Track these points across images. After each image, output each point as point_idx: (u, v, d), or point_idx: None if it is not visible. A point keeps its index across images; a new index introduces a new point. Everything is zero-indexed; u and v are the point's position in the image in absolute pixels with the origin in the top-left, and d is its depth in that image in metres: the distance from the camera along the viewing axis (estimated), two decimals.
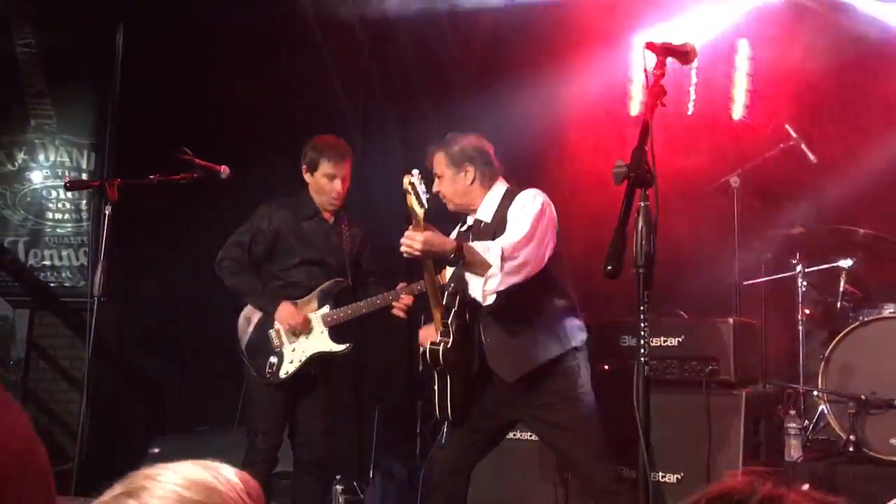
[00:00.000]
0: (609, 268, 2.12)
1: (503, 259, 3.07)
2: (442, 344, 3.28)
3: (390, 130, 6.36)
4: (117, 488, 0.87)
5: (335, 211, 4.10)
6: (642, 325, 2.15)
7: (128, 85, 6.28)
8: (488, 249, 3.09)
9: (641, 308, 2.15)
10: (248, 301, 4.03)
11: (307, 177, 4.04)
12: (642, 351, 2.14)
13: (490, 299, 3.14)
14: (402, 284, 3.96)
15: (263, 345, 3.98)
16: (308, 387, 4.04)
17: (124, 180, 3.76)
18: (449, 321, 3.30)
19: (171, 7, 5.94)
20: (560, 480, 4.32)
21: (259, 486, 0.94)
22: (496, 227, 3.34)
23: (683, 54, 2.42)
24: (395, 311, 3.97)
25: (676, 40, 2.43)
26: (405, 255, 3.06)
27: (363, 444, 6.11)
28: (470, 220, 3.53)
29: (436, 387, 3.39)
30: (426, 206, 3.03)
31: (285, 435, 4.09)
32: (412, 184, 2.98)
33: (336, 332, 3.99)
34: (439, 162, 3.46)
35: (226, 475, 0.91)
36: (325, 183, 3.97)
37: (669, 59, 2.40)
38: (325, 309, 3.99)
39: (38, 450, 0.95)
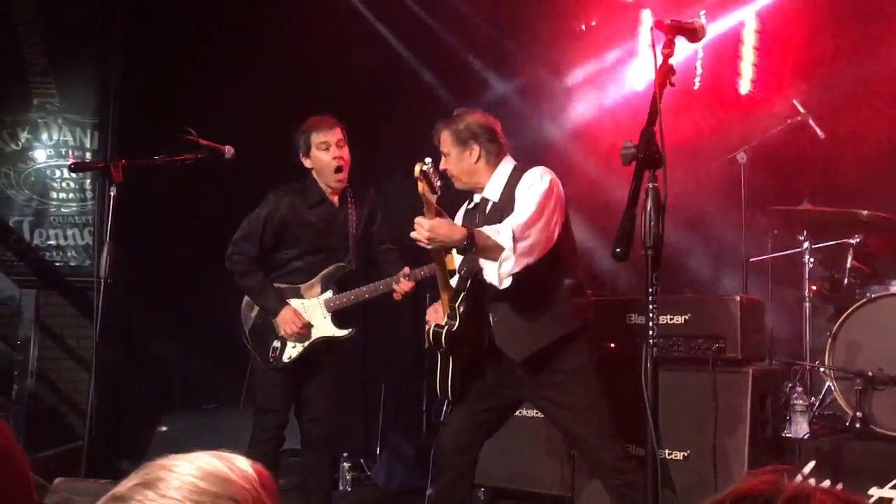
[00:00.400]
0: (618, 250, 2.10)
1: (515, 240, 3.06)
2: (447, 327, 3.28)
3: (400, 106, 6.33)
4: (133, 478, 0.88)
5: (342, 190, 4.06)
6: (651, 307, 2.14)
7: (131, 63, 6.25)
8: (498, 232, 3.07)
9: (650, 290, 2.13)
10: (255, 302, 4.02)
11: (306, 162, 4.00)
12: (651, 333, 2.13)
13: (506, 282, 3.12)
14: (405, 269, 3.94)
15: (267, 329, 3.98)
16: (314, 365, 4.05)
17: (129, 162, 3.73)
18: (457, 304, 3.29)
19: None
20: (566, 457, 4.33)
21: (271, 478, 0.95)
22: (504, 207, 3.31)
23: (692, 32, 2.38)
24: (395, 296, 3.97)
25: (685, 18, 2.39)
26: (416, 241, 3.04)
27: (370, 422, 6.15)
28: (477, 198, 3.51)
29: (438, 367, 3.39)
30: (438, 194, 3.01)
31: (292, 413, 4.10)
32: (424, 172, 2.95)
33: (339, 317, 3.99)
34: (445, 140, 3.43)
35: (240, 466, 0.93)
36: (323, 154, 3.92)
37: (678, 38, 2.36)
38: (329, 294, 3.98)
39: (16, 456, 0.97)
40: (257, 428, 4.02)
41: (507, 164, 3.44)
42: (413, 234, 3.03)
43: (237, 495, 0.86)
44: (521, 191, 3.29)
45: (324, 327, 3.97)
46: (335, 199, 4.05)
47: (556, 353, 3.30)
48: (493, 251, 3.06)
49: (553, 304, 3.29)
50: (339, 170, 3.95)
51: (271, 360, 3.95)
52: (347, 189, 4.07)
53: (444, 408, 3.61)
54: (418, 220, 3.01)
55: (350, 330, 3.99)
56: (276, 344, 3.95)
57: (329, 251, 4.02)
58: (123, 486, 0.89)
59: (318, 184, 4.03)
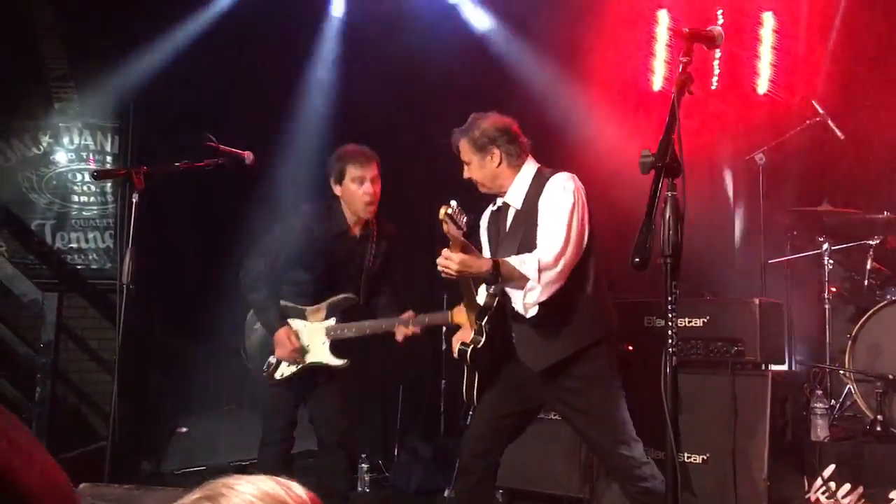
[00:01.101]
0: (637, 259, 2.10)
1: (540, 271, 3.06)
2: (472, 345, 3.27)
3: (418, 111, 6.34)
4: (197, 492, 0.99)
5: (365, 224, 4.01)
6: (670, 315, 2.14)
7: (150, 67, 6.29)
8: (524, 263, 3.07)
9: (670, 299, 2.13)
10: (257, 317, 4.03)
11: (337, 189, 3.94)
12: (670, 342, 2.13)
13: (532, 311, 3.12)
14: (409, 313, 3.93)
15: (265, 345, 3.99)
16: (317, 375, 4.05)
17: (150, 168, 3.77)
18: (484, 322, 3.28)
19: None
20: (584, 459, 4.34)
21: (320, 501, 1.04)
22: (528, 215, 3.28)
23: (710, 40, 2.36)
24: (398, 338, 3.94)
25: (702, 26, 2.38)
26: (443, 275, 3.05)
27: (388, 423, 6.16)
28: (500, 202, 3.48)
29: (465, 377, 3.41)
30: (465, 230, 3.01)
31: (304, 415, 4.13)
32: (449, 215, 2.92)
33: (337, 347, 3.98)
34: (465, 149, 3.41)
35: (296, 492, 1.02)
36: (356, 188, 3.87)
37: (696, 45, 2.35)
38: (332, 321, 3.96)
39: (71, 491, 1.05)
40: (266, 430, 4.04)
41: (529, 167, 3.40)
42: (440, 268, 3.03)
43: None
44: (545, 206, 3.24)
45: (320, 353, 3.96)
46: (357, 229, 4.00)
47: (576, 360, 3.29)
48: (519, 281, 3.08)
49: (574, 316, 3.26)
50: (369, 204, 3.92)
51: (264, 374, 3.97)
52: (371, 221, 4.03)
53: (469, 411, 3.62)
54: (446, 253, 3.01)
55: (345, 361, 3.96)
56: (272, 360, 3.96)
57: (340, 279, 4.01)
58: (188, 498, 0.97)
59: (345, 213, 3.97)
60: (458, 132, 3.43)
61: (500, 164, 3.37)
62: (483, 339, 3.27)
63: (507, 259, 3.10)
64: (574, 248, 3.17)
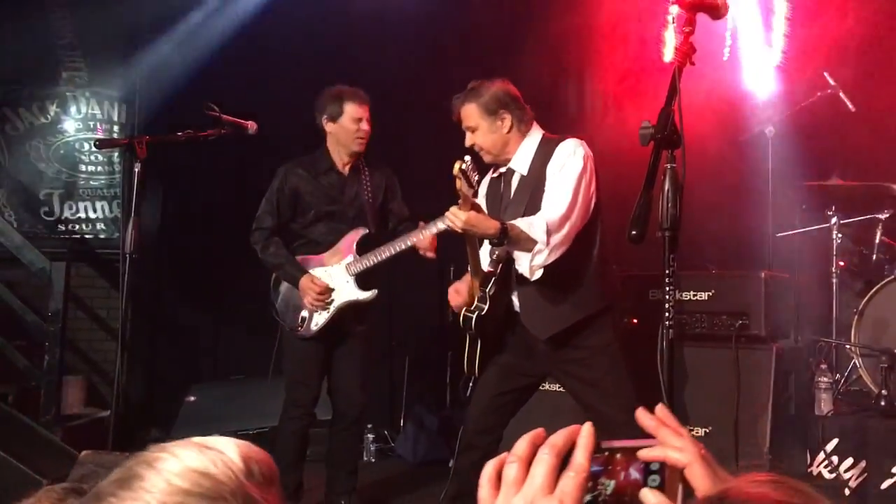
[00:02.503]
0: (634, 232, 2.08)
1: (549, 233, 3.02)
2: (477, 311, 3.24)
3: (420, 78, 6.29)
4: (116, 473, 0.87)
5: (354, 162, 4.11)
6: (667, 289, 2.13)
7: (157, 36, 6.26)
8: (532, 225, 3.02)
9: (668, 272, 2.12)
10: (276, 273, 4.11)
11: (329, 127, 4.06)
12: (667, 315, 2.12)
13: (538, 274, 3.09)
14: (421, 223, 3.94)
15: (294, 300, 4.05)
16: (343, 337, 4.09)
17: (153, 138, 3.76)
18: (488, 288, 3.25)
19: None
20: None
21: (267, 463, 0.93)
22: (535, 181, 3.24)
23: (714, 9, 2.32)
24: (423, 253, 3.94)
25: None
26: (450, 229, 3.06)
27: (394, 394, 6.20)
28: (502, 168, 3.44)
29: (466, 346, 3.39)
30: (476, 189, 2.97)
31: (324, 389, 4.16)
32: (463, 171, 2.88)
33: (362, 280, 4.03)
34: (471, 114, 3.33)
35: (228, 459, 0.88)
36: (352, 126, 4.01)
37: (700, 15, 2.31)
38: (350, 258, 4.03)
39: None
40: (289, 402, 4.08)
41: (535, 134, 3.36)
42: (447, 222, 3.02)
43: (216, 493, 0.85)
44: (553, 170, 3.21)
45: (347, 291, 4.02)
46: (346, 168, 4.11)
47: (581, 329, 3.27)
48: (526, 243, 3.03)
49: (581, 283, 3.24)
50: (363, 141, 4.06)
51: (299, 328, 4.01)
52: (361, 160, 4.12)
53: (470, 383, 3.61)
54: (453, 210, 2.97)
55: (373, 291, 4.04)
56: (304, 314, 4.03)
57: (344, 218, 4.08)
58: (106, 480, 0.87)
59: (330, 154, 4.12)
60: (463, 97, 3.36)
61: (510, 129, 3.31)
62: (486, 307, 3.24)
63: (515, 221, 3.05)
64: (580, 212, 3.14)
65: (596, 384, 3.29)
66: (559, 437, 0.93)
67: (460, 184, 2.91)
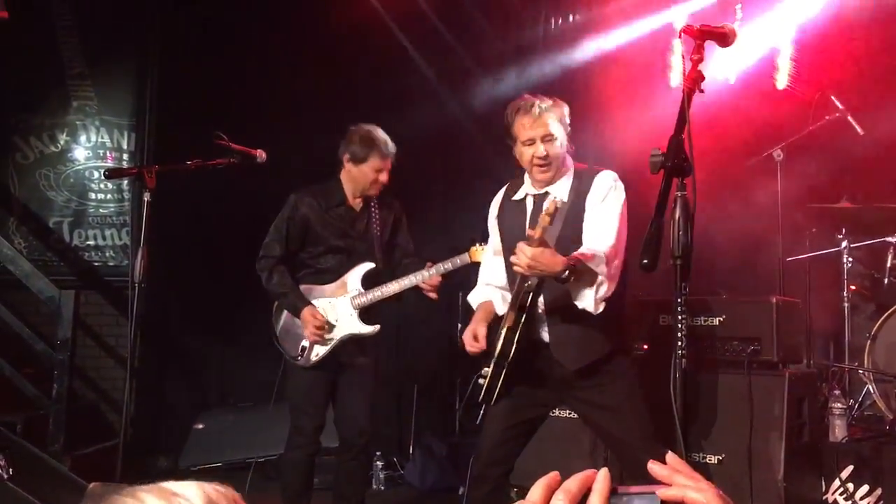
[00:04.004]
0: (645, 261, 2.07)
1: (607, 265, 2.98)
2: (517, 343, 3.15)
3: (429, 101, 6.33)
4: None
5: (364, 198, 4.09)
6: (680, 318, 2.11)
7: (168, 65, 6.32)
8: (594, 258, 2.96)
9: (679, 300, 2.10)
10: (279, 303, 4.10)
11: (348, 165, 4.03)
12: (680, 343, 2.10)
13: (601, 307, 3.02)
14: (429, 263, 3.95)
15: (295, 329, 4.04)
16: (347, 367, 4.07)
17: (162, 167, 3.78)
18: (523, 319, 3.16)
19: None
20: (597, 458, 4.30)
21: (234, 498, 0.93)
22: (576, 211, 3.15)
23: (723, 37, 2.32)
24: (426, 293, 3.99)
25: (715, 23, 2.34)
26: (514, 266, 2.92)
27: (403, 421, 6.16)
28: (522, 192, 3.31)
29: (489, 372, 3.23)
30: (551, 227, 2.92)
31: (329, 418, 4.13)
32: (557, 209, 2.87)
33: (366, 314, 4.02)
34: (554, 123, 3.17)
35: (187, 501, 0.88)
36: (372, 175, 3.98)
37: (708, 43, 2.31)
38: (355, 291, 4.01)
39: None
40: (293, 430, 4.06)
41: (569, 161, 3.30)
42: (513, 259, 2.91)
43: None
44: (594, 201, 3.15)
45: (350, 325, 4.00)
46: (357, 203, 4.10)
47: (603, 358, 3.22)
48: (589, 277, 2.96)
49: (613, 313, 3.14)
50: (378, 190, 4.05)
51: (300, 358, 3.99)
52: (372, 197, 4.11)
53: (481, 410, 3.54)
54: (521, 246, 2.86)
55: (376, 327, 4.01)
56: (305, 343, 4.00)
57: (353, 252, 4.06)
58: None
59: (343, 187, 4.08)
60: (550, 106, 3.21)
61: (566, 150, 3.26)
62: (519, 336, 3.15)
63: (578, 256, 2.95)
64: (623, 245, 3.12)
65: (613, 409, 3.22)
66: (574, 483, 0.91)
67: (546, 220, 2.86)
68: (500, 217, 3.42)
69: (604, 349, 3.20)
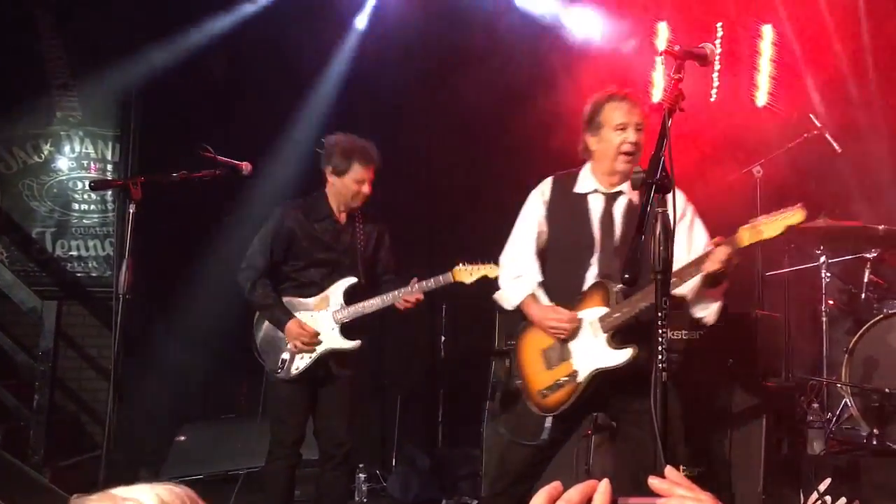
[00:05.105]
0: (627, 276, 2.12)
1: None
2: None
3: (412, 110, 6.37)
4: None
5: (349, 211, 4.11)
6: (660, 331, 2.15)
7: (152, 76, 6.32)
8: None
9: (660, 315, 2.14)
10: (263, 315, 4.09)
11: (331, 178, 4.05)
12: (660, 357, 2.14)
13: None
14: (414, 279, 3.97)
15: (277, 342, 4.04)
16: (328, 379, 4.07)
17: (147, 178, 3.78)
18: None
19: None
20: (581, 472, 4.33)
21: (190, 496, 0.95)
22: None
23: (702, 57, 2.39)
24: (399, 305, 3.98)
25: (695, 44, 2.40)
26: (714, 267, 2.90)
27: (385, 433, 6.16)
28: (601, 189, 3.19)
29: (565, 382, 3.14)
30: None
31: (310, 430, 4.13)
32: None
33: (348, 330, 4.03)
34: (641, 114, 3.14)
35: None
36: (354, 187, 4.00)
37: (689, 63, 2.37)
38: (337, 306, 4.02)
39: None
40: (273, 442, 4.06)
41: None
42: (719, 256, 2.90)
43: None
44: (685, 217, 3.15)
45: (332, 339, 4.01)
46: (342, 216, 4.11)
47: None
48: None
49: None
50: (362, 201, 4.05)
51: (279, 371, 3.98)
52: (357, 209, 4.12)
53: (547, 424, 3.21)
54: (724, 249, 2.90)
55: (357, 342, 4.02)
56: (285, 356, 3.99)
57: (337, 265, 4.06)
58: None
59: (328, 201, 4.09)
60: (633, 94, 3.20)
61: None
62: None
63: None
64: None
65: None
66: (575, 493, 0.95)
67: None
68: (550, 211, 3.29)
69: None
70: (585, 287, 3.17)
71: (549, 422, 3.17)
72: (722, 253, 2.93)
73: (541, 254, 3.33)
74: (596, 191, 3.21)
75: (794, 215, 2.92)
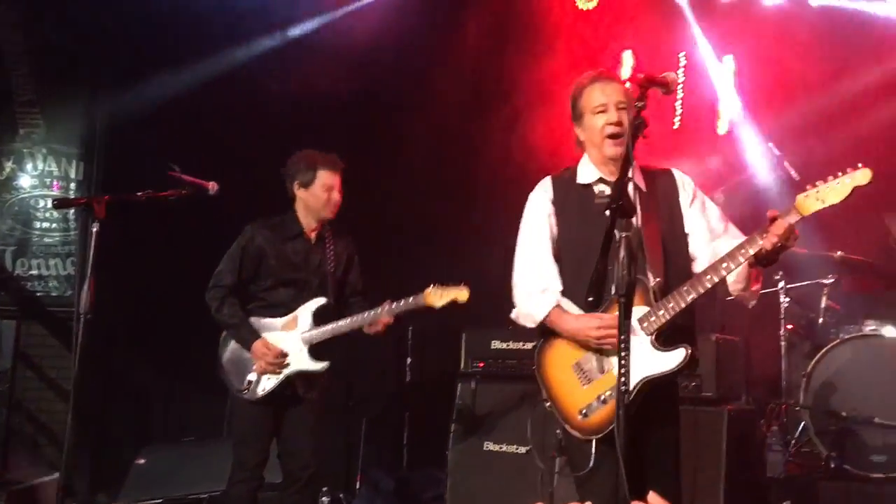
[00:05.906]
0: (591, 298, 2.15)
1: None
2: None
3: (380, 134, 6.41)
4: None
5: (320, 229, 4.11)
6: (622, 353, 2.18)
7: (117, 95, 6.29)
8: None
9: (622, 338, 2.18)
10: (229, 334, 4.05)
11: (300, 193, 4.04)
12: (622, 381, 2.18)
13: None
14: (387, 301, 3.95)
15: (243, 362, 4.00)
16: (294, 401, 4.04)
17: (112, 197, 3.75)
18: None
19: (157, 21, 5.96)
20: (546, 495, 4.34)
21: None
22: (664, 203, 2.93)
23: (665, 85, 2.44)
24: (368, 330, 3.96)
25: (658, 72, 2.46)
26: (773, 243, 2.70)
27: (350, 456, 6.12)
28: (592, 177, 2.96)
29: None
30: None
31: (273, 453, 4.09)
32: None
33: (316, 351, 4.00)
34: (623, 92, 2.91)
35: None
36: (323, 195, 4.00)
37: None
38: (306, 327, 4.00)
39: None
40: (236, 465, 4.00)
41: None
42: (777, 230, 2.70)
43: None
44: (701, 198, 3.00)
45: (300, 361, 3.97)
46: (312, 235, 4.10)
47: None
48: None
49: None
50: (333, 210, 4.04)
51: (245, 392, 3.95)
52: (326, 227, 4.12)
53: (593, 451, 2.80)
54: (783, 222, 2.70)
55: (326, 363, 3.99)
56: (252, 377, 3.95)
57: (306, 286, 4.04)
58: None
59: (298, 219, 4.08)
60: (613, 75, 3.06)
61: None
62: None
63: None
64: None
65: (677, 441, 2.93)
66: None
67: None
68: (558, 207, 3.00)
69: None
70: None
71: (593, 446, 2.75)
72: (780, 227, 2.69)
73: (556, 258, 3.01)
74: (601, 179, 2.96)
75: (861, 175, 2.63)
